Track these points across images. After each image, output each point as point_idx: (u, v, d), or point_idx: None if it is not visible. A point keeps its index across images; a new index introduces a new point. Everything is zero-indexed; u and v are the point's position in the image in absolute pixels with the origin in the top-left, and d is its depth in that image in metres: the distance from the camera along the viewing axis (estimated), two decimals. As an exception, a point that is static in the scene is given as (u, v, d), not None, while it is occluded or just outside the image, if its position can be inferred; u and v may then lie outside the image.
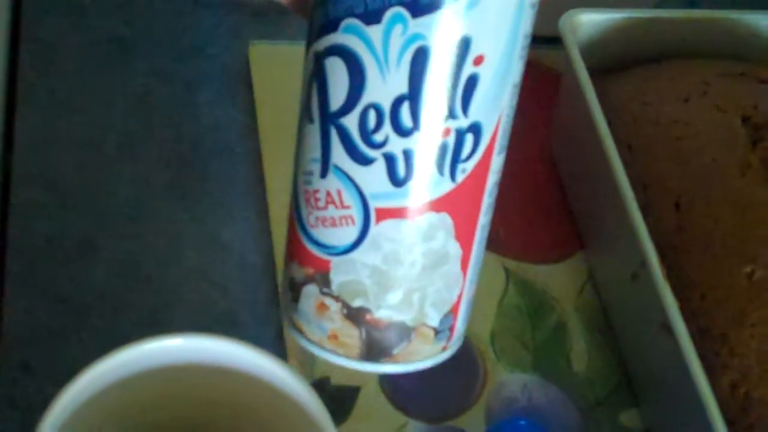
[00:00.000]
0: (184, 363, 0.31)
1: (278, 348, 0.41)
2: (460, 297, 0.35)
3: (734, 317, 0.38)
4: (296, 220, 0.35)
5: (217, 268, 0.43)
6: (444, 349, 0.36)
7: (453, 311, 0.36)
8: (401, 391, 0.41)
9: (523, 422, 0.36)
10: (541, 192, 0.49)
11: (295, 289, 0.35)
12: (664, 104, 0.45)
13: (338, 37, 0.30)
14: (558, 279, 0.46)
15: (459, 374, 0.42)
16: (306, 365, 0.40)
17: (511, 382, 0.42)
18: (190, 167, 0.47)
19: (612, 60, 0.49)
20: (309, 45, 0.32)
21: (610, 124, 0.43)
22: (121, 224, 0.44)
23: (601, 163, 0.42)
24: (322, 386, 0.40)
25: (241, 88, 0.50)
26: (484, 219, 0.35)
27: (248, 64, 0.50)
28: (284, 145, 0.47)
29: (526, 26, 0.31)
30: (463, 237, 0.34)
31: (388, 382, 0.41)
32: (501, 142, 0.33)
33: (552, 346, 0.43)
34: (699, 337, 0.39)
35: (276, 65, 0.50)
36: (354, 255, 0.34)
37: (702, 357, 0.37)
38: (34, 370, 0.39)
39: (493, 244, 0.46)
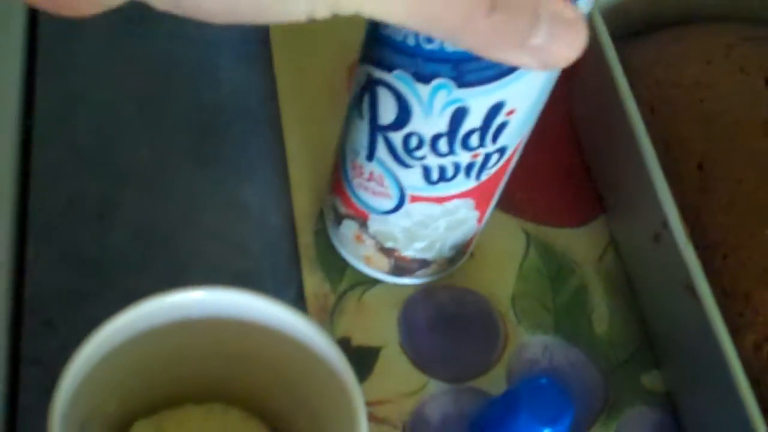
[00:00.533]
0: (207, 316, 0.31)
1: (298, 309, 0.41)
2: (473, 237, 0.41)
3: (758, 277, 0.38)
4: (342, 172, 0.38)
5: (237, 230, 0.43)
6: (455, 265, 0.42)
7: (466, 246, 0.41)
8: (422, 351, 0.41)
9: (544, 381, 0.36)
10: (562, 156, 0.48)
11: (338, 216, 0.40)
12: (687, 67, 0.45)
13: (391, 79, 0.33)
14: (579, 243, 0.45)
15: (479, 336, 0.42)
16: (326, 324, 0.40)
17: (532, 344, 0.42)
18: (210, 130, 0.46)
19: (634, 24, 0.49)
20: (363, 59, 0.34)
21: (632, 86, 0.43)
22: (141, 186, 0.44)
23: (622, 124, 0.42)
24: (342, 346, 0.40)
25: (262, 52, 0.49)
26: (500, 189, 0.39)
27: (268, 28, 0.50)
28: (304, 108, 0.47)
29: (556, 78, 0.34)
30: (482, 206, 0.39)
31: (409, 343, 0.41)
32: (522, 145, 0.37)
33: (573, 308, 0.43)
34: (722, 297, 0.38)
35: (296, 29, 0.50)
36: (389, 217, 0.38)
37: (725, 317, 0.37)
38: (56, 328, 0.39)
39: (513, 207, 0.45)
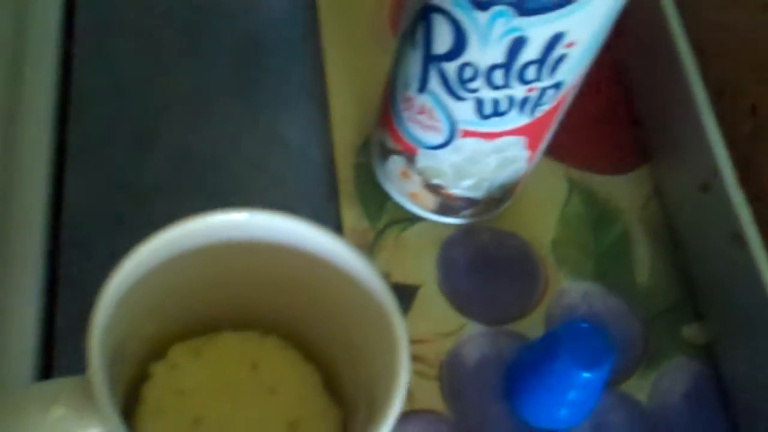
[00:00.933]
0: (248, 240, 0.31)
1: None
2: (522, 178, 0.40)
3: (810, 228, 0.37)
4: (391, 106, 0.37)
5: (276, 163, 0.43)
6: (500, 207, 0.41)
7: (515, 186, 0.40)
8: (460, 292, 0.40)
9: (585, 325, 0.35)
10: (609, 102, 0.47)
11: (384, 152, 0.39)
12: (742, 11, 0.44)
13: (448, 5, 0.31)
14: (623, 191, 0.44)
15: (519, 279, 0.41)
16: (365, 260, 0.40)
17: (572, 290, 0.41)
18: (251, 62, 0.46)
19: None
20: None
21: (683, 28, 0.42)
22: (180, 115, 0.44)
23: (673, 66, 0.41)
24: (380, 282, 0.39)
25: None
26: (553, 129, 0.38)
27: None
28: (346, 43, 0.46)
29: (619, 9, 0.32)
30: (533, 146, 0.38)
31: (447, 283, 0.40)
32: (579, 82, 0.35)
33: (614, 256, 0.42)
34: (771, 247, 0.37)
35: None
36: (438, 152, 0.37)
37: (774, 268, 0.36)
38: (93, 251, 0.39)
39: (557, 153, 0.44)
